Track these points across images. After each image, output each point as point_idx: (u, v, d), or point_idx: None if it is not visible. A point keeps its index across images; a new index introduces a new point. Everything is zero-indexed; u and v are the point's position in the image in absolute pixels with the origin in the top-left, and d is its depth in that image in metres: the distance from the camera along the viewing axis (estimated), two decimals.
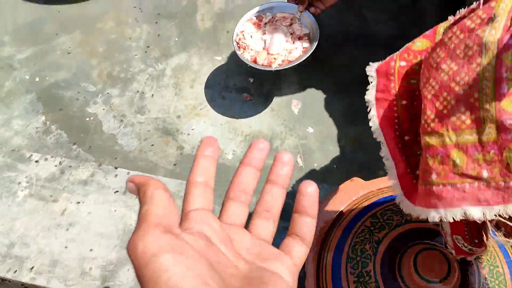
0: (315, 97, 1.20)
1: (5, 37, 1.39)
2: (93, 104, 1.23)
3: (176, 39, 1.35)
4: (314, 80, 1.23)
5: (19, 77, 1.30)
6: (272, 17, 1.14)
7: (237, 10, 1.39)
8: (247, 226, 0.34)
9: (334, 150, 1.11)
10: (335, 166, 1.08)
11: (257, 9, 1.15)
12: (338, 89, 1.21)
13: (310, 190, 0.33)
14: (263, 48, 1.09)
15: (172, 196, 0.29)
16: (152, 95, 1.23)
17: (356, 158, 1.09)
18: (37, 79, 1.29)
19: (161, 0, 1.44)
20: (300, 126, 1.15)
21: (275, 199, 0.34)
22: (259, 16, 1.15)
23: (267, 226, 0.33)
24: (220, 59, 1.29)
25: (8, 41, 1.38)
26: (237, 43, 1.10)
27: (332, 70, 1.25)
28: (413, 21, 1.33)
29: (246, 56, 1.08)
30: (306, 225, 0.33)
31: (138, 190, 0.29)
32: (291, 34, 1.10)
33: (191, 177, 0.32)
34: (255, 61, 1.07)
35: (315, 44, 1.06)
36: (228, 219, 0.33)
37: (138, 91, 1.24)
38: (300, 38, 1.10)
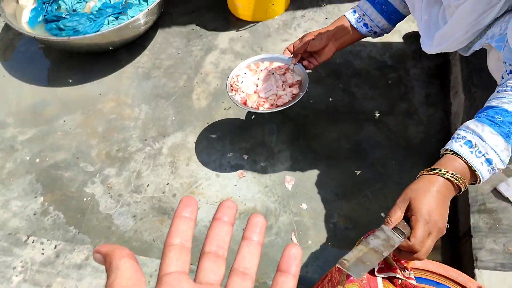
0: (308, 172, 1.23)
1: (8, 119, 1.45)
2: (91, 184, 1.26)
3: (173, 118, 1.40)
4: (307, 156, 1.27)
5: (20, 158, 1.34)
6: (269, 65, 1.19)
7: None
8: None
9: (327, 227, 1.12)
10: (329, 243, 1.09)
11: (256, 57, 1.19)
12: (329, 165, 1.24)
13: (293, 252, 0.34)
14: (254, 92, 1.13)
15: (137, 262, 0.30)
16: (149, 174, 1.27)
17: (349, 235, 1.10)
18: (37, 160, 1.33)
19: (159, 80, 1.51)
20: (294, 203, 1.17)
21: (252, 256, 0.34)
22: (256, 63, 1.19)
23: (245, 284, 0.34)
24: (215, 137, 1.34)
25: (11, 123, 1.44)
26: (231, 86, 1.14)
27: (323, 146, 1.28)
28: (400, 96, 1.38)
29: (237, 98, 1.11)
30: (287, 283, 0.33)
31: (105, 261, 0.29)
32: (283, 82, 1.14)
33: (167, 239, 0.32)
34: (245, 103, 1.10)
35: (304, 92, 1.08)
36: (205, 277, 0.33)
37: (135, 171, 1.28)
38: (291, 86, 1.13)
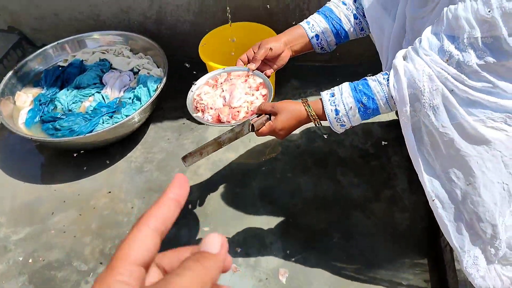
0: (301, 264, 1.26)
1: (2, 218, 1.47)
2: (85, 284, 1.27)
3: None
4: (298, 247, 1.30)
5: (12, 259, 1.35)
6: (228, 76, 1.19)
7: (221, 180, 1.52)
8: None
9: None
10: None
11: (213, 72, 1.21)
12: (320, 256, 1.28)
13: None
14: (224, 105, 1.11)
15: None
16: None
17: None
18: (30, 260, 1.34)
19: (151, 174, 1.57)
20: None
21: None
22: (214, 77, 1.20)
23: None
24: (208, 230, 1.37)
25: (4, 222, 1.46)
26: (195, 107, 1.12)
27: (313, 236, 1.33)
28: (384, 183, 1.45)
29: (207, 117, 1.09)
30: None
31: None
32: (249, 87, 1.15)
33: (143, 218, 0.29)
34: (218, 119, 1.08)
35: (272, 90, 1.12)
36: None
37: None
38: (257, 89, 1.15)
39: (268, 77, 1.17)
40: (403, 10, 1.11)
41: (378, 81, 0.95)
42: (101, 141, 1.54)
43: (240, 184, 1.50)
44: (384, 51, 1.18)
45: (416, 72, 0.87)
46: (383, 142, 1.59)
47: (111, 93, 1.68)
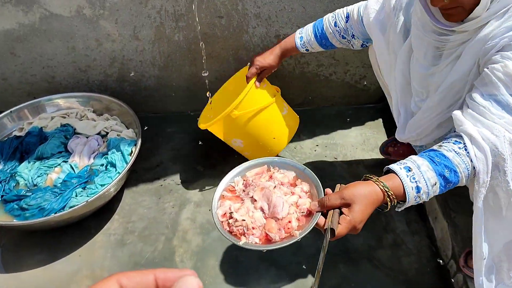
0: None
1: None
2: None
3: None
4: None
5: None
6: (244, 180, 1.00)
7: (214, 244, 1.42)
8: None
9: None
10: None
11: (223, 183, 0.99)
12: None
13: None
14: (266, 218, 0.90)
15: None
16: None
17: None
18: None
19: (135, 246, 1.44)
20: None
21: None
22: (228, 187, 0.99)
23: None
24: None
25: None
26: (231, 233, 0.89)
27: None
28: (384, 228, 1.42)
29: (253, 240, 0.87)
30: None
31: None
32: (281, 184, 0.96)
33: None
34: (268, 239, 0.86)
35: (316, 179, 0.94)
36: None
37: None
38: (294, 184, 0.96)
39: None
40: (405, 62, 1.13)
41: (455, 152, 0.87)
42: (77, 216, 1.40)
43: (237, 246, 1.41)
44: (394, 107, 1.26)
45: (496, 139, 0.84)
46: None
47: (79, 161, 1.54)
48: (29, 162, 1.53)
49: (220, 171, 1.61)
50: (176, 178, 1.66)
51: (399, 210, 0.90)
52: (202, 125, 1.49)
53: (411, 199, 0.86)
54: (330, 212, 0.85)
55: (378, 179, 0.86)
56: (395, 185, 0.85)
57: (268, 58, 1.42)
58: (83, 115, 1.71)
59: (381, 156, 1.66)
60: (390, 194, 0.84)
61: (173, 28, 1.66)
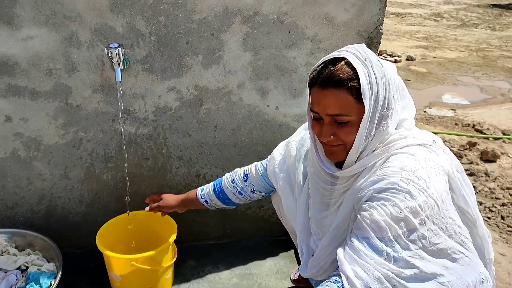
0: None
1: None
2: None
3: None
4: None
5: None
6: None
7: None
8: None
9: None
10: None
11: None
12: None
13: None
14: None
15: None
16: None
17: None
18: None
19: None
20: None
21: None
22: None
23: None
24: None
25: None
26: None
27: None
28: None
29: None
30: None
31: None
32: None
33: None
34: None
35: None
36: None
37: None
38: None
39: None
40: (304, 208, 1.39)
41: None
42: None
43: None
44: (298, 244, 1.48)
45: (367, 277, 1.05)
46: None
47: None
48: None
49: None
50: None
51: None
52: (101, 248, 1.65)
53: None
54: None
55: None
56: None
57: (171, 199, 1.71)
58: (4, 250, 1.75)
59: (292, 285, 1.82)
60: None
61: (102, 168, 1.85)
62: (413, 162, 1.11)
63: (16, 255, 1.74)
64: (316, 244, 1.37)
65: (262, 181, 1.56)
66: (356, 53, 1.12)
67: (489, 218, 2.83)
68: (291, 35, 1.72)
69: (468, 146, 4.04)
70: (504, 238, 2.57)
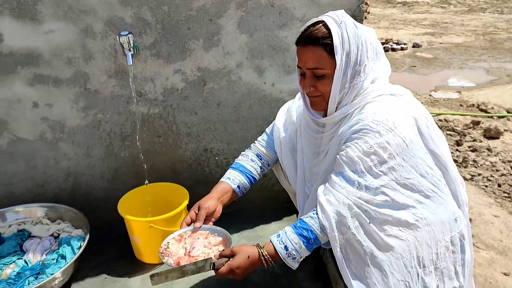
0: None
1: None
2: None
3: None
4: None
5: None
6: (192, 233, 1.50)
7: None
8: None
9: None
10: None
11: (179, 231, 1.52)
12: None
13: None
14: (185, 254, 1.42)
15: None
16: None
17: None
18: None
19: None
20: None
21: None
22: (181, 234, 1.51)
23: None
24: None
25: None
26: (162, 253, 1.43)
27: None
28: None
29: (170, 261, 1.38)
30: None
31: None
32: (209, 243, 1.46)
33: None
34: (178, 264, 1.36)
35: (231, 245, 1.44)
36: None
37: None
38: (215, 245, 1.45)
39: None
40: (302, 162, 1.58)
41: (311, 217, 1.31)
42: None
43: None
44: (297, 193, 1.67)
45: (338, 203, 1.27)
46: None
47: (33, 258, 1.78)
48: None
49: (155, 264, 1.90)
50: (120, 271, 1.90)
51: (294, 267, 1.33)
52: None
53: (284, 256, 1.31)
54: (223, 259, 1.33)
55: (259, 245, 1.34)
56: (270, 248, 1.33)
57: (211, 203, 1.59)
58: (38, 221, 1.99)
59: None
60: (264, 255, 1.32)
61: (120, 147, 2.07)
62: (383, 108, 1.30)
63: (48, 225, 1.97)
64: (310, 190, 1.56)
65: (268, 150, 1.73)
66: (333, 17, 1.33)
67: (486, 186, 2.97)
68: (281, 17, 1.92)
69: (472, 125, 4.16)
70: (499, 202, 2.72)
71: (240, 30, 1.92)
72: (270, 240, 1.34)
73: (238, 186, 1.65)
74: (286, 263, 1.32)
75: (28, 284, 1.63)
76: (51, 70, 1.87)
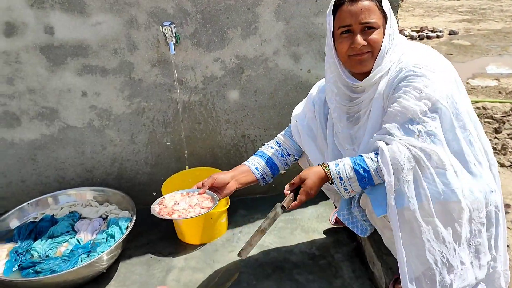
0: None
1: None
2: None
3: None
4: None
5: None
6: (197, 195, 1.59)
7: None
8: None
9: None
10: None
11: (188, 190, 1.63)
12: None
13: None
14: (172, 206, 1.55)
15: None
16: None
17: None
18: None
19: None
20: None
21: None
22: (188, 193, 1.62)
23: None
24: None
25: None
26: (158, 203, 1.58)
27: None
28: (334, 275, 1.75)
29: (157, 209, 1.53)
30: None
31: None
32: (198, 204, 1.54)
33: None
34: (159, 213, 1.50)
35: (215, 205, 1.52)
36: None
37: None
38: (198, 205, 1.54)
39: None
40: (332, 140, 1.60)
41: (371, 158, 1.34)
42: (79, 278, 1.70)
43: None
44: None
45: (398, 153, 1.28)
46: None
47: (84, 237, 1.89)
48: (42, 240, 1.87)
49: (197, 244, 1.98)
50: (164, 251, 2.00)
51: (343, 196, 1.40)
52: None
53: (338, 183, 1.36)
54: (288, 196, 1.42)
55: (323, 164, 1.40)
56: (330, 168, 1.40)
57: (223, 175, 1.64)
58: (87, 204, 2.10)
59: (331, 225, 2.05)
60: (330, 174, 1.38)
61: (162, 133, 2.16)
62: (423, 57, 1.36)
63: (97, 207, 2.08)
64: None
65: (291, 141, 1.77)
66: None
67: None
68: (317, 4, 1.94)
69: (511, 112, 4.06)
70: None
71: (277, 18, 1.96)
72: (329, 166, 1.39)
73: (257, 168, 1.69)
74: (337, 189, 1.38)
75: (81, 261, 1.74)
76: (98, 60, 1.97)
